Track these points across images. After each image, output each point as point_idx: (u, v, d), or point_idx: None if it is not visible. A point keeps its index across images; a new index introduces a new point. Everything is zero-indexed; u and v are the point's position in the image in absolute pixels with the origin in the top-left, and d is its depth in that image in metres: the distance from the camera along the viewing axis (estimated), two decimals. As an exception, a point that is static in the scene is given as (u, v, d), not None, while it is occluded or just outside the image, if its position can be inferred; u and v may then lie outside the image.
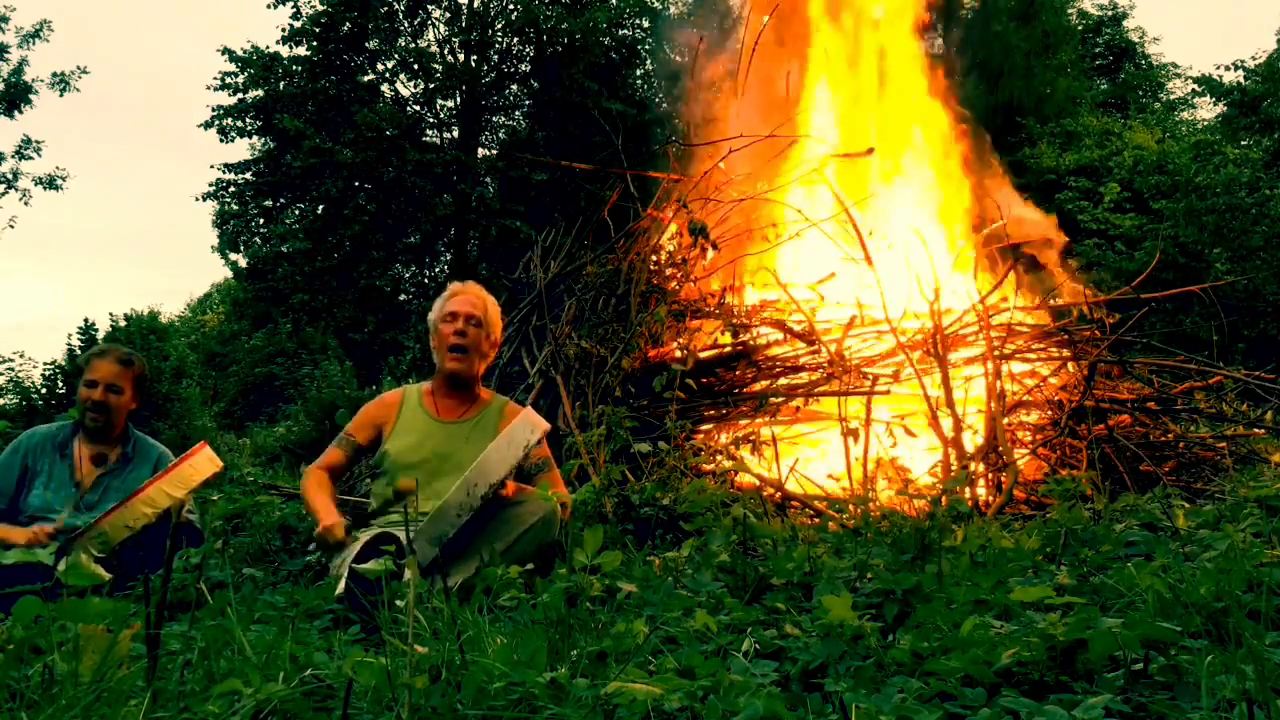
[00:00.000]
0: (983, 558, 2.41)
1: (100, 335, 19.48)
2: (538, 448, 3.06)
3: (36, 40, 19.01)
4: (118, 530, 2.94)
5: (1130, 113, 23.61)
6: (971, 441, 4.63)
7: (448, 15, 21.07)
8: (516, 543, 2.84)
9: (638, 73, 22.70)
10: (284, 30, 19.65)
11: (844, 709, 1.39)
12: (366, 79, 20.45)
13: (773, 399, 5.14)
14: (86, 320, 19.36)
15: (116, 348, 3.71)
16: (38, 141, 19.18)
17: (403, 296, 21.41)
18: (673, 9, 22.50)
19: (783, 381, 5.35)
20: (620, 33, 21.56)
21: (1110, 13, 26.70)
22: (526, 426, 2.93)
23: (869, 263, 5.60)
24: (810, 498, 4.13)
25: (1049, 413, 5.11)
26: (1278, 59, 16.65)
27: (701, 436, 5.01)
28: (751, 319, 5.61)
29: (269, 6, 19.71)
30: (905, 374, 5.03)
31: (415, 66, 20.49)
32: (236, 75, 19.44)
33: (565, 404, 5.07)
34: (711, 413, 5.20)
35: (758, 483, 4.16)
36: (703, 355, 5.31)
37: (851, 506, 3.53)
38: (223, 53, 19.38)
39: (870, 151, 6.53)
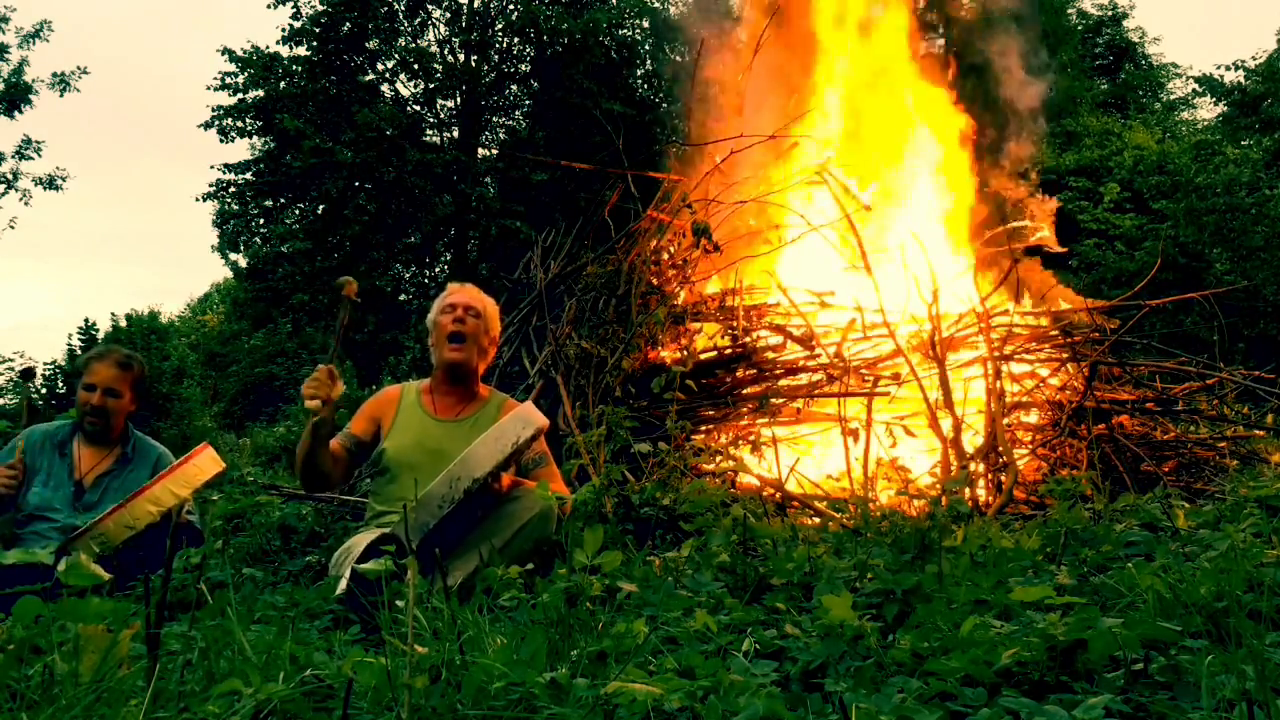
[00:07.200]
0: (983, 558, 2.41)
1: (100, 335, 19.49)
2: (535, 443, 3.03)
3: (36, 40, 19.02)
4: (120, 530, 2.94)
5: (1130, 113, 23.63)
6: (971, 442, 4.63)
7: (448, 15, 21.08)
8: (514, 539, 2.84)
9: (638, 73, 22.70)
10: (284, 30, 19.67)
11: (844, 709, 1.39)
12: (366, 79, 20.46)
13: (773, 400, 5.14)
14: (87, 320, 19.41)
15: (115, 350, 3.70)
16: (38, 142, 19.19)
17: (403, 296, 21.42)
18: (673, 9, 22.52)
19: (783, 383, 5.35)
20: (620, 33, 21.56)
21: (1110, 13, 26.72)
22: (519, 422, 2.90)
23: (868, 271, 5.60)
24: (810, 498, 4.13)
25: (1049, 413, 5.11)
26: (1278, 59, 16.66)
27: (702, 437, 5.01)
28: (751, 323, 5.61)
29: (269, 6, 19.74)
30: (905, 376, 5.03)
31: (415, 66, 20.50)
32: (236, 75, 19.45)
33: (565, 404, 5.07)
34: (712, 413, 5.20)
35: (758, 483, 4.16)
36: (703, 357, 5.30)
37: (852, 506, 3.53)
38: (223, 53, 19.40)
39: (869, 208, 6.44)
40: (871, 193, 6.48)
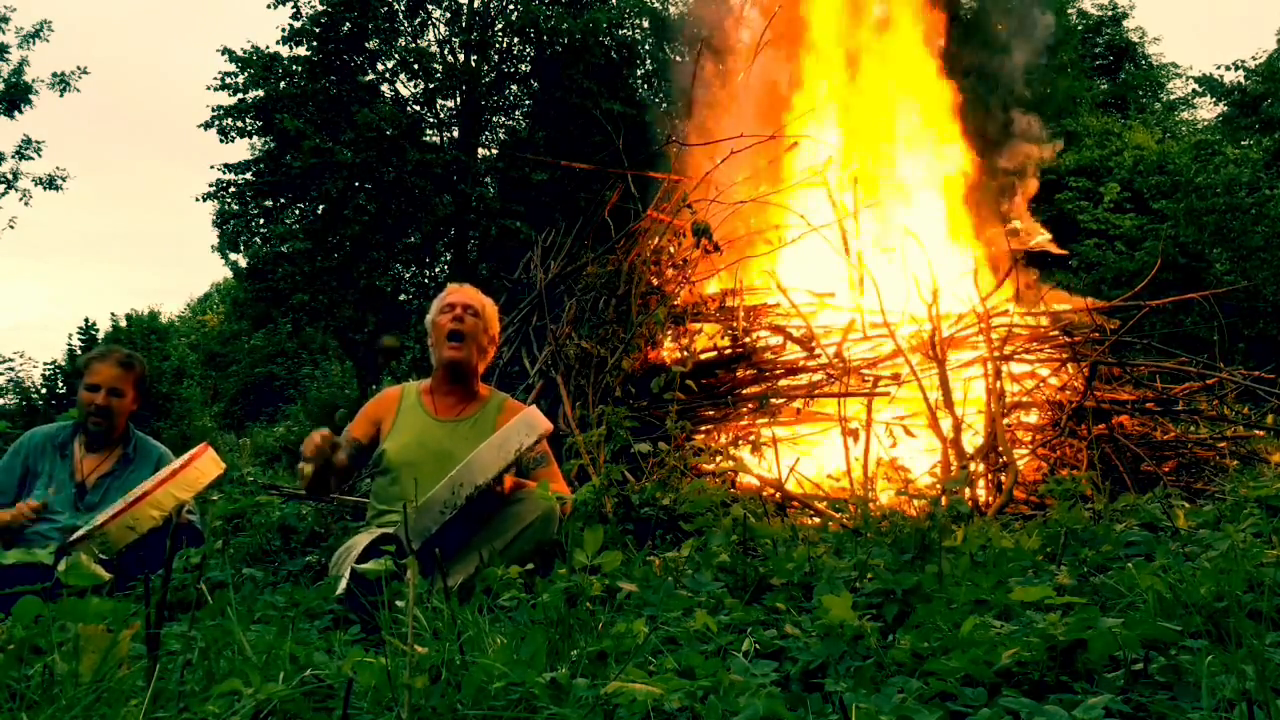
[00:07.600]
0: (983, 558, 2.41)
1: (101, 335, 19.50)
2: (537, 446, 3.03)
3: (36, 40, 19.02)
4: (121, 533, 2.94)
5: (1130, 113, 23.62)
6: (971, 442, 4.63)
7: (448, 15, 21.07)
8: (515, 541, 2.84)
9: (638, 73, 22.69)
10: (284, 30, 19.65)
11: (844, 709, 1.39)
12: (366, 79, 20.44)
13: (773, 400, 5.14)
14: (87, 320, 19.41)
15: (117, 350, 3.69)
16: (38, 142, 19.19)
17: (403, 297, 21.40)
18: (673, 9, 22.51)
19: (783, 383, 5.35)
20: (620, 33, 21.55)
21: (1110, 13, 26.69)
22: (523, 428, 2.89)
23: (858, 287, 5.62)
24: (810, 498, 4.13)
25: (1049, 413, 5.11)
26: (1278, 59, 16.66)
27: (702, 437, 5.01)
28: (751, 323, 5.61)
29: (269, 6, 19.72)
30: (905, 376, 5.03)
31: (415, 66, 20.48)
32: (236, 75, 19.44)
33: (565, 404, 5.07)
34: (712, 413, 5.20)
35: (758, 483, 4.16)
36: (703, 357, 5.31)
37: (852, 507, 3.53)
38: (223, 53, 19.39)
39: (845, 227, 6.35)
40: (861, 203, 6.46)
